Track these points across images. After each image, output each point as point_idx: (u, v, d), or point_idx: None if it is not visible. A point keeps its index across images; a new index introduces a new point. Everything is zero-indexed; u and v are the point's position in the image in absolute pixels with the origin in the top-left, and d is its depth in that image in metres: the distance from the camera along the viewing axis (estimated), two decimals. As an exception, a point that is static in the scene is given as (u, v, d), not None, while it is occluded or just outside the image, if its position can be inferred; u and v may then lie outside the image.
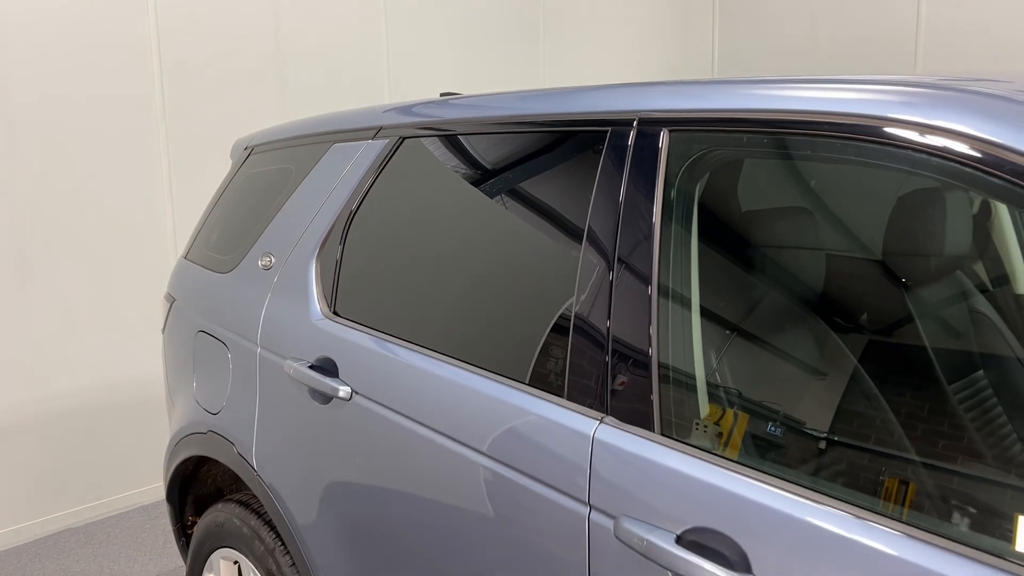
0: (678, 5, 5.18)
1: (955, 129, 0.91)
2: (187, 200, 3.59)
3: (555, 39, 5.15)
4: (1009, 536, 0.81)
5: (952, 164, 0.91)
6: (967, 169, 0.90)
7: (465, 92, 4.48)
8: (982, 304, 0.93)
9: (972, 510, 0.84)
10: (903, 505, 0.88)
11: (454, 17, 4.61)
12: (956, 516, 0.85)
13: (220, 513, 1.97)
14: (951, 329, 0.94)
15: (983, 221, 0.97)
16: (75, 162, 3.27)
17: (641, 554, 1.04)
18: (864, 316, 1.00)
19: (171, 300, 2.29)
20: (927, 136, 0.93)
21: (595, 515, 1.12)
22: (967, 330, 0.93)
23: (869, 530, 0.87)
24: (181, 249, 3.59)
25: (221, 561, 2.01)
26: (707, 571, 0.96)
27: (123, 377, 3.47)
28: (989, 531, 0.82)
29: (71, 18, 3.22)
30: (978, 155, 0.89)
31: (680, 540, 1.02)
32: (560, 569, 1.17)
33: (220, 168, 3.67)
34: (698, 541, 1.00)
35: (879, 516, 0.88)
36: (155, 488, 3.61)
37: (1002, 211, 0.99)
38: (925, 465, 0.89)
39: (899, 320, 0.97)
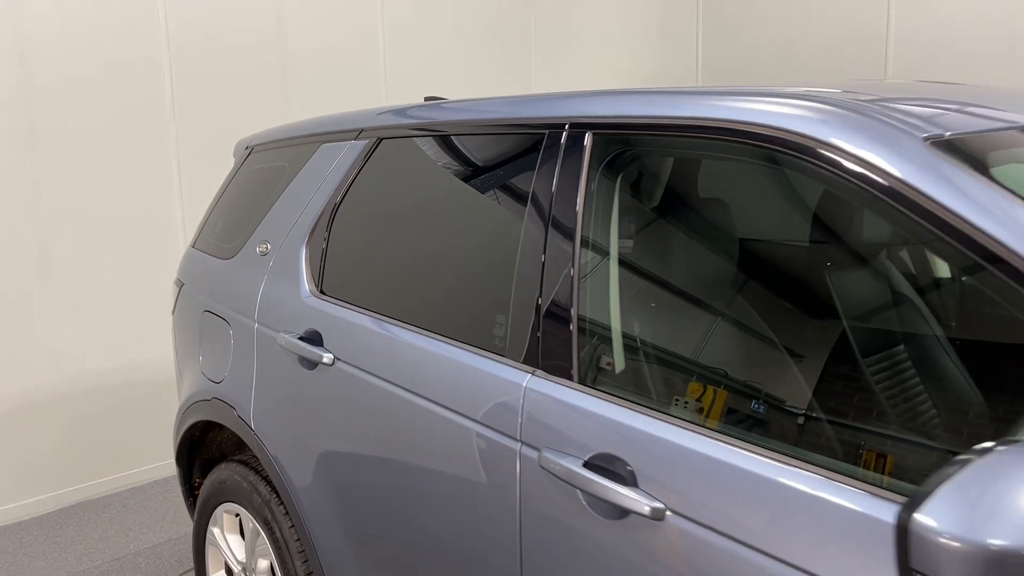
0: (664, 13, 5.41)
1: (792, 129, 1.15)
2: (195, 196, 3.85)
3: (547, 45, 5.38)
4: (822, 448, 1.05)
5: (790, 156, 1.15)
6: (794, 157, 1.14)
7: (457, 95, 4.71)
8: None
9: (795, 422, 1.08)
10: (762, 432, 1.12)
11: (449, 23, 4.85)
12: (792, 434, 1.09)
13: (223, 472, 2.23)
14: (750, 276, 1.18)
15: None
16: (92, 162, 3.53)
17: (557, 477, 1.29)
18: (723, 278, 1.24)
19: (180, 284, 2.54)
20: (791, 140, 1.17)
21: (524, 449, 1.37)
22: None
23: (731, 453, 1.11)
24: (189, 240, 3.86)
25: (224, 514, 2.27)
26: (605, 487, 1.21)
27: (136, 360, 3.73)
28: (805, 444, 1.06)
29: (90, 29, 3.48)
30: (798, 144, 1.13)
31: (586, 464, 1.26)
32: (498, 494, 1.41)
33: (225, 167, 3.93)
34: (599, 464, 1.25)
35: (741, 441, 1.12)
36: (167, 464, 3.87)
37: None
38: (779, 404, 1.12)
39: (749, 275, 1.22)
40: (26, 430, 3.46)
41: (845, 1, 4.47)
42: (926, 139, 1.09)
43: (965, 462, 0.77)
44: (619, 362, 1.34)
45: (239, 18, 3.93)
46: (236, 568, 2.25)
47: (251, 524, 2.15)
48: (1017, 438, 0.81)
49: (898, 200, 1.04)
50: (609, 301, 1.38)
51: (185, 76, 3.77)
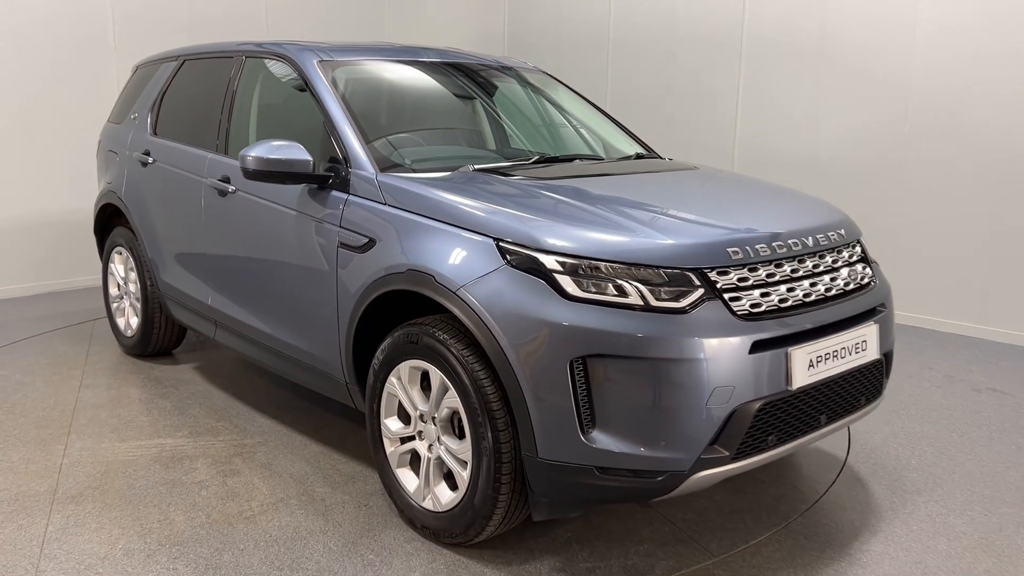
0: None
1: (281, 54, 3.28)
2: (128, 102, 5.93)
3: (401, 5, 7.40)
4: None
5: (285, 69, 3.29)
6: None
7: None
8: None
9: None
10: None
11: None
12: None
13: (116, 231, 4.38)
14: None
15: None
16: (42, 73, 5.61)
17: (213, 188, 3.42)
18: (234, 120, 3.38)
19: (100, 141, 4.67)
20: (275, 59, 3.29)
21: (208, 181, 3.50)
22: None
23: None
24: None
25: (115, 255, 4.42)
26: (222, 185, 3.34)
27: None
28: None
29: (57, -11, 5.53)
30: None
31: (219, 179, 3.39)
32: (195, 196, 3.54)
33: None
34: (222, 177, 3.38)
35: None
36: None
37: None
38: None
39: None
40: (12, 240, 5.60)
41: None
42: (319, 61, 3.19)
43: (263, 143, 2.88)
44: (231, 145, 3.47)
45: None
46: (121, 282, 4.42)
47: (125, 254, 4.30)
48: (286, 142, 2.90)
49: (301, 76, 3.16)
50: (243, 126, 3.51)
51: (126, 25, 5.83)
